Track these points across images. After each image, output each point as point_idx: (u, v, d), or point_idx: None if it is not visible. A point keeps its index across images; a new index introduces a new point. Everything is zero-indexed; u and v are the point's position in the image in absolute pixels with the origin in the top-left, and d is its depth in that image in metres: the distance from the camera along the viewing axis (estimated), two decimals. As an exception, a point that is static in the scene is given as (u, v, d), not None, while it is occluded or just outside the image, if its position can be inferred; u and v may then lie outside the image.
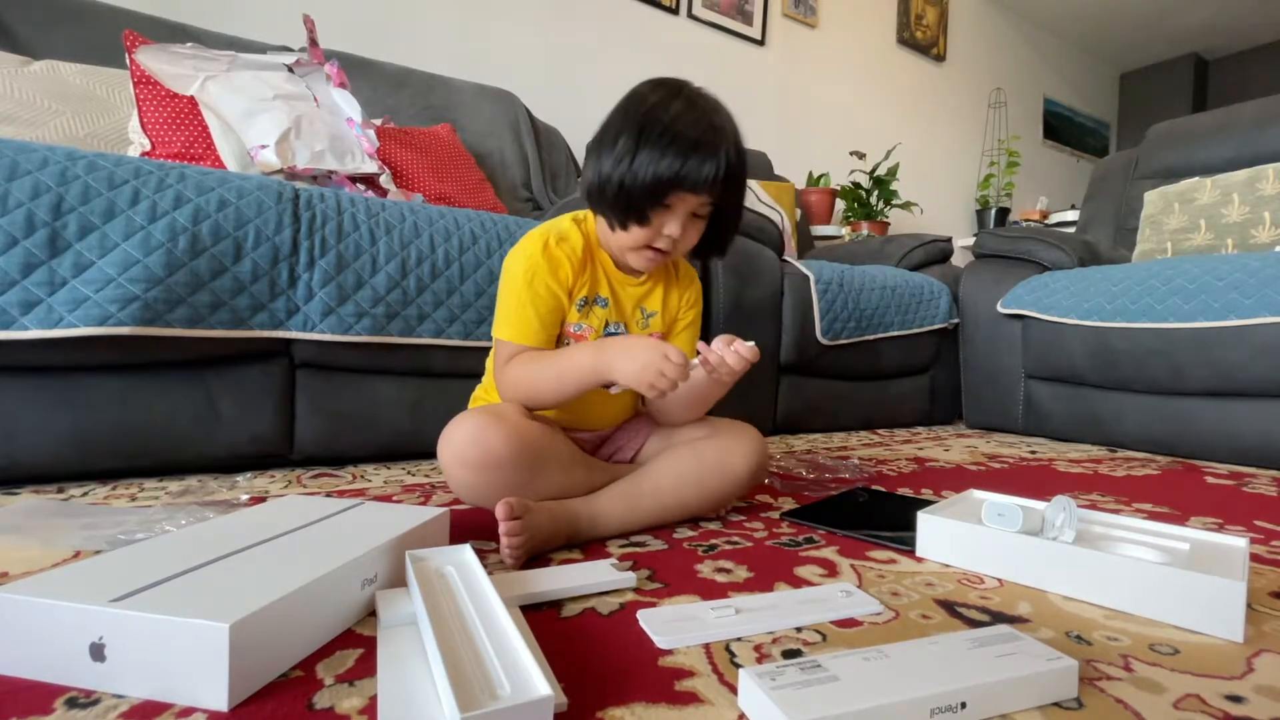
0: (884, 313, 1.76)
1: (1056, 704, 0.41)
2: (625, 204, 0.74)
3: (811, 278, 1.63)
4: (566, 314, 0.80)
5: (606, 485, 0.78)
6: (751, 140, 2.90)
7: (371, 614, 0.53)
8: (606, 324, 0.83)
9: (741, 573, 0.65)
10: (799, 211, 2.41)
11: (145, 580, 0.44)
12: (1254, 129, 1.88)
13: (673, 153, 0.71)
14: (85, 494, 0.89)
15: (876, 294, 1.75)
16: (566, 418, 0.85)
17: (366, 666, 0.45)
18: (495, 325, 0.81)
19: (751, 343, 0.72)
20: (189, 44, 1.35)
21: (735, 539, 0.76)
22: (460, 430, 0.71)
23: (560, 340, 0.82)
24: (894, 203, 2.91)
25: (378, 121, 1.56)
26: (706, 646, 0.48)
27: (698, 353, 0.74)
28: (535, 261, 0.78)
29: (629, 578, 0.60)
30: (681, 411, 0.87)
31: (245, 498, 0.87)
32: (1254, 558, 0.74)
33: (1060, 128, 4.28)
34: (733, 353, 0.71)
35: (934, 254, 2.07)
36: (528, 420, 0.75)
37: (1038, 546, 0.63)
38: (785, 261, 1.66)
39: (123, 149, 1.26)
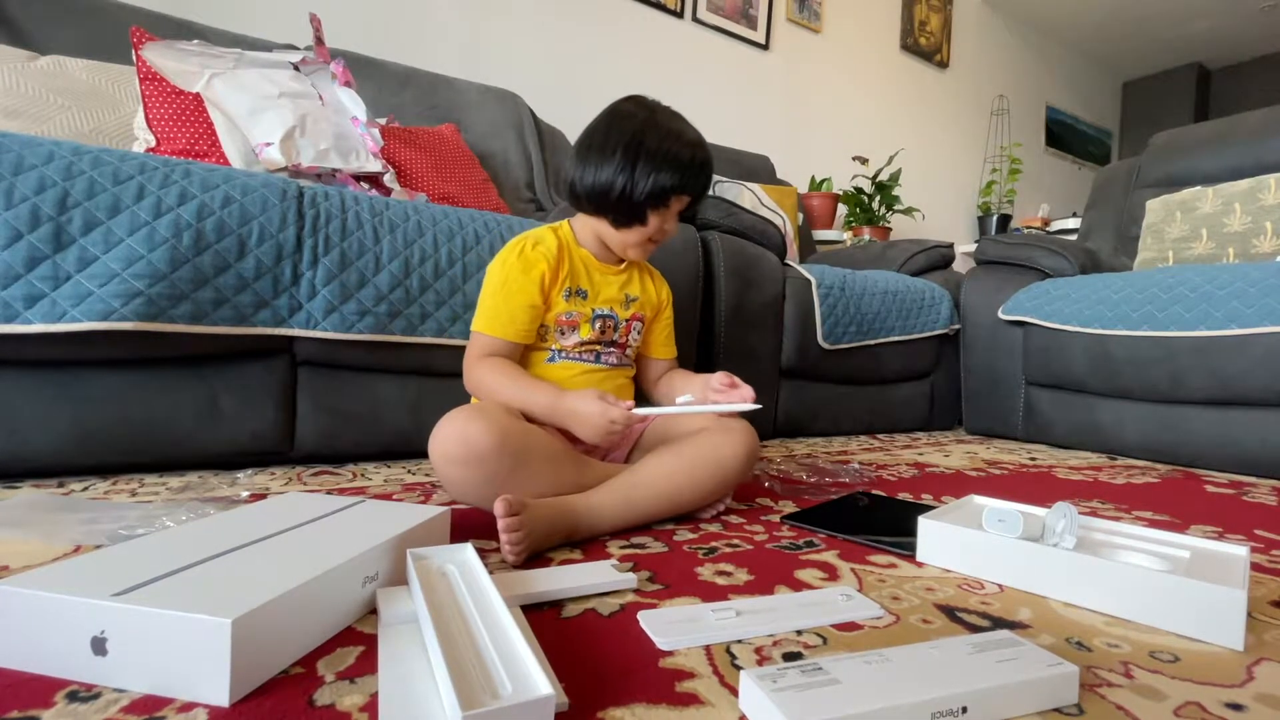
0: (885, 318, 1.76)
1: (1057, 710, 0.41)
2: (630, 208, 0.86)
3: (813, 282, 1.63)
4: (550, 308, 0.89)
5: (600, 483, 0.79)
6: (754, 144, 2.88)
7: (372, 612, 0.53)
8: (594, 310, 0.93)
9: (742, 575, 0.65)
10: (801, 216, 2.41)
11: (147, 575, 0.44)
12: (1256, 139, 1.88)
13: (672, 166, 0.84)
14: (86, 489, 0.89)
15: (878, 299, 1.75)
16: None
17: (367, 664, 0.45)
18: (474, 320, 0.90)
19: (751, 390, 0.84)
20: (195, 41, 1.35)
21: (736, 542, 0.76)
22: (445, 427, 0.74)
23: (550, 329, 0.90)
24: (896, 208, 2.92)
25: (382, 120, 1.56)
26: (707, 648, 0.48)
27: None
28: (510, 265, 0.88)
29: (629, 579, 0.60)
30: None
31: (246, 494, 0.87)
32: (1254, 566, 0.74)
33: (1063, 135, 4.29)
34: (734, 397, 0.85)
35: (935, 260, 2.08)
36: (511, 416, 0.77)
37: (1038, 552, 0.63)
38: (787, 265, 1.66)
39: (128, 145, 1.27)
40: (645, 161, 0.83)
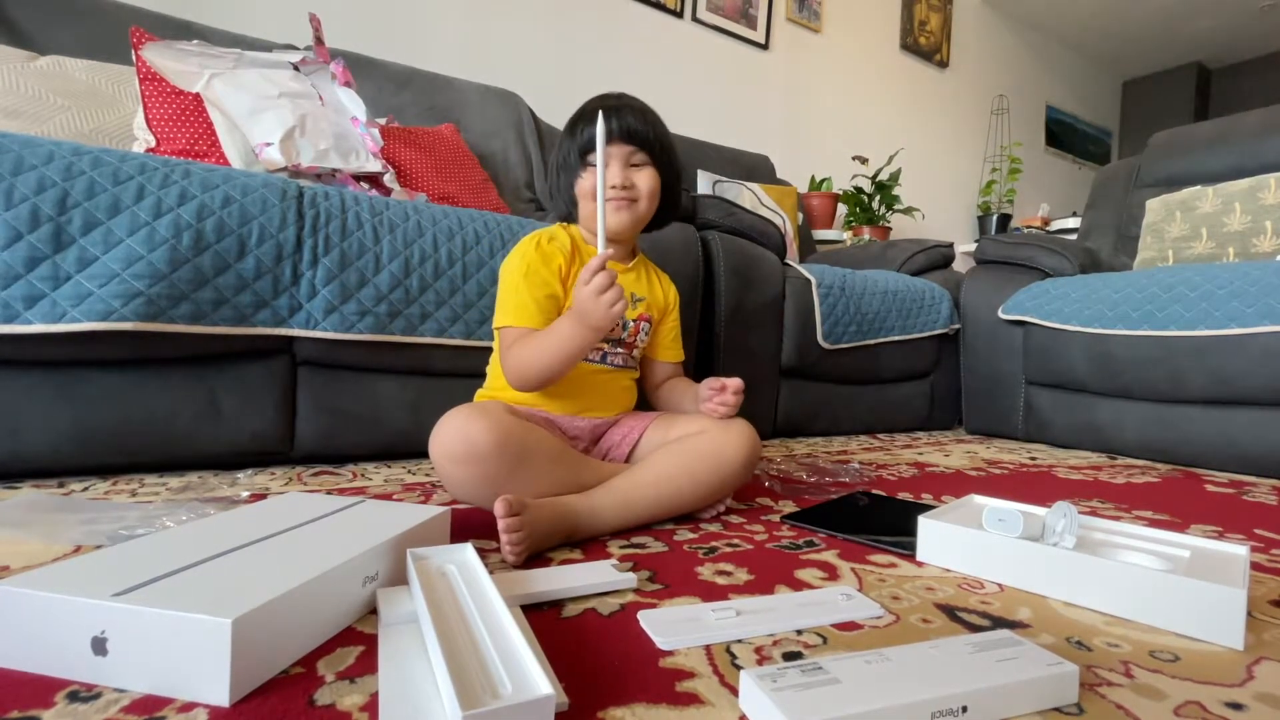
0: (885, 317, 1.76)
1: (1057, 709, 0.41)
2: (569, 168, 0.90)
3: (813, 281, 1.63)
4: (565, 303, 0.88)
5: (600, 484, 0.79)
6: (754, 144, 2.88)
7: (372, 612, 0.53)
8: None
9: (742, 575, 0.65)
10: (801, 215, 2.41)
11: (148, 575, 0.44)
12: (1256, 138, 1.88)
13: (586, 116, 0.87)
14: (86, 489, 0.89)
15: (878, 299, 1.75)
16: (569, 404, 0.90)
17: (367, 664, 0.45)
18: (496, 318, 0.89)
19: (738, 379, 0.86)
20: (195, 41, 1.35)
21: (736, 541, 0.76)
22: (447, 425, 0.74)
23: None
24: (896, 208, 2.92)
25: (382, 120, 1.56)
26: (707, 648, 0.48)
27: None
28: (530, 257, 0.88)
29: (629, 578, 0.60)
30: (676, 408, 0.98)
31: (246, 494, 0.87)
32: (1254, 566, 0.74)
33: (1062, 135, 4.29)
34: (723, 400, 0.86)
35: (935, 259, 2.08)
36: (511, 415, 0.77)
37: (1038, 552, 0.63)
38: (787, 265, 1.66)
39: (128, 145, 1.27)
40: (568, 129, 0.90)
